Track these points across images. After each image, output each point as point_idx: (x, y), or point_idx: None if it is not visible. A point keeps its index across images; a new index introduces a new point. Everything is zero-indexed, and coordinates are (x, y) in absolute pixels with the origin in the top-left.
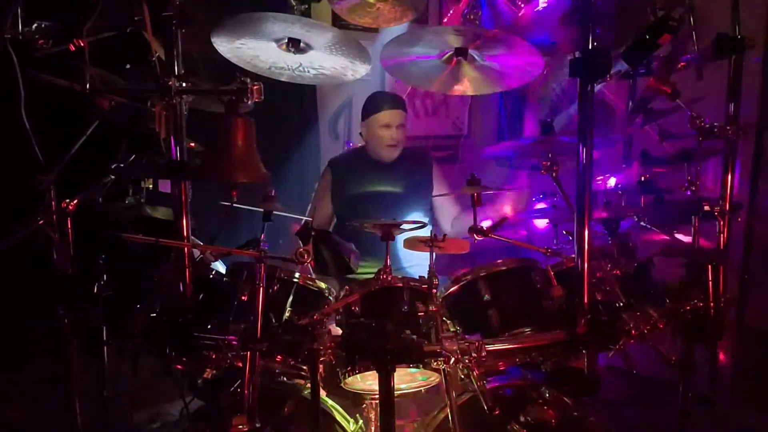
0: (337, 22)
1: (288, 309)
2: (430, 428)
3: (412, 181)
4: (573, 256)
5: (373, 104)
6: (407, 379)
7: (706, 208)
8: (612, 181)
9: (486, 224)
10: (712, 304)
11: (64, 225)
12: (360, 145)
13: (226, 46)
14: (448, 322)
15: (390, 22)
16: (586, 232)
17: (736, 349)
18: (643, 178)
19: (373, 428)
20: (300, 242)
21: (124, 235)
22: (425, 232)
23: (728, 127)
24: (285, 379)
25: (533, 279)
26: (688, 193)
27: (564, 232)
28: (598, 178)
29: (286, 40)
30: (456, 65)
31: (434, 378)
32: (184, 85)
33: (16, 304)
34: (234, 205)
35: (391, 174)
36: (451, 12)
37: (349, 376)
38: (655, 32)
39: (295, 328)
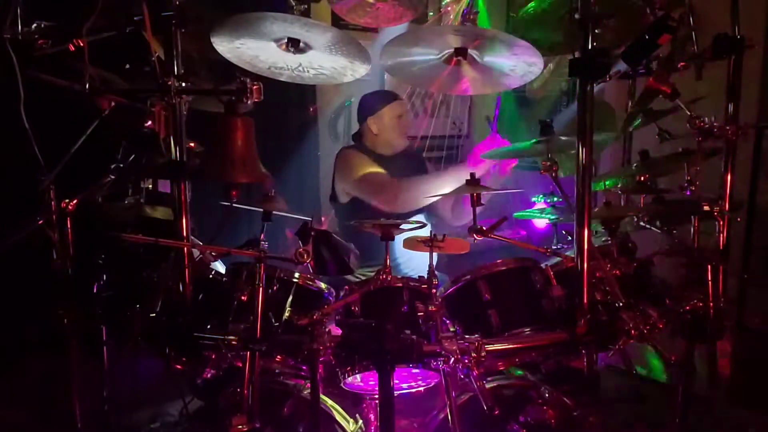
0: (337, 22)
1: (288, 309)
2: (430, 428)
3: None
4: (572, 255)
5: (382, 98)
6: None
7: (706, 208)
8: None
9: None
10: (711, 304)
11: (64, 225)
12: (352, 143)
13: (226, 46)
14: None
15: (390, 22)
16: (586, 232)
17: (736, 350)
18: (642, 178)
19: (372, 428)
20: (300, 242)
21: (123, 235)
22: (425, 232)
23: (728, 127)
24: (285, 379)
25: (533, 279)
26: (688, 193)
27: (563, 232)
28: None
29: (286, 40)
30: (456, 65)
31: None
32: (183, 85)
33: (16, 305)
34: (234, 205)
35: (391, 170)
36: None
37: (348, 376)
38: (654, 32)
39: (295, 328)
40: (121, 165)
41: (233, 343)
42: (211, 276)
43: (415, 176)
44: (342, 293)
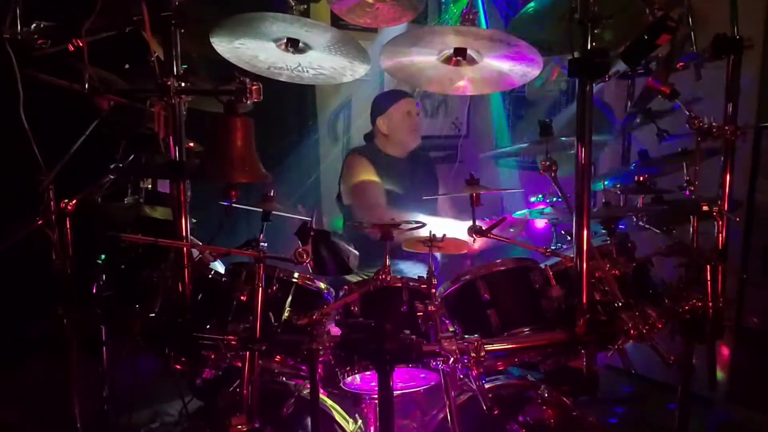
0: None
1: (287, 309)
2: (429, 428)
3: (418, 180)
4: (572, 255)
5: (390, 96)
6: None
7: (705, 208)
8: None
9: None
10: (710, 304)
11: (63, 225)
12: (363, 144)
13: (225, 46)
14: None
15: (389, 22)
16: (585, 232)
17: (735, 349)
18: (641, 179)
19: (372, 428)
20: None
21: (123, 235)
22: (424, 232)
23: (726, 127)
24: (284, 379)
25: (532, 279)
26: (687, 193)
27: (563, 232)
28: None
29: (285, 40)
30: (455, 65)
31: None
32: (183, 85)
33: (16, 305)
34: (233, 205)
35: (401, 172)
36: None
37: (348, 376)
38: (653, 32)
39: (295, 328)
40: (121, 165)
41: (233, 343)
42: (210, 276)
43: (407, 210)
44: (342, 293)
